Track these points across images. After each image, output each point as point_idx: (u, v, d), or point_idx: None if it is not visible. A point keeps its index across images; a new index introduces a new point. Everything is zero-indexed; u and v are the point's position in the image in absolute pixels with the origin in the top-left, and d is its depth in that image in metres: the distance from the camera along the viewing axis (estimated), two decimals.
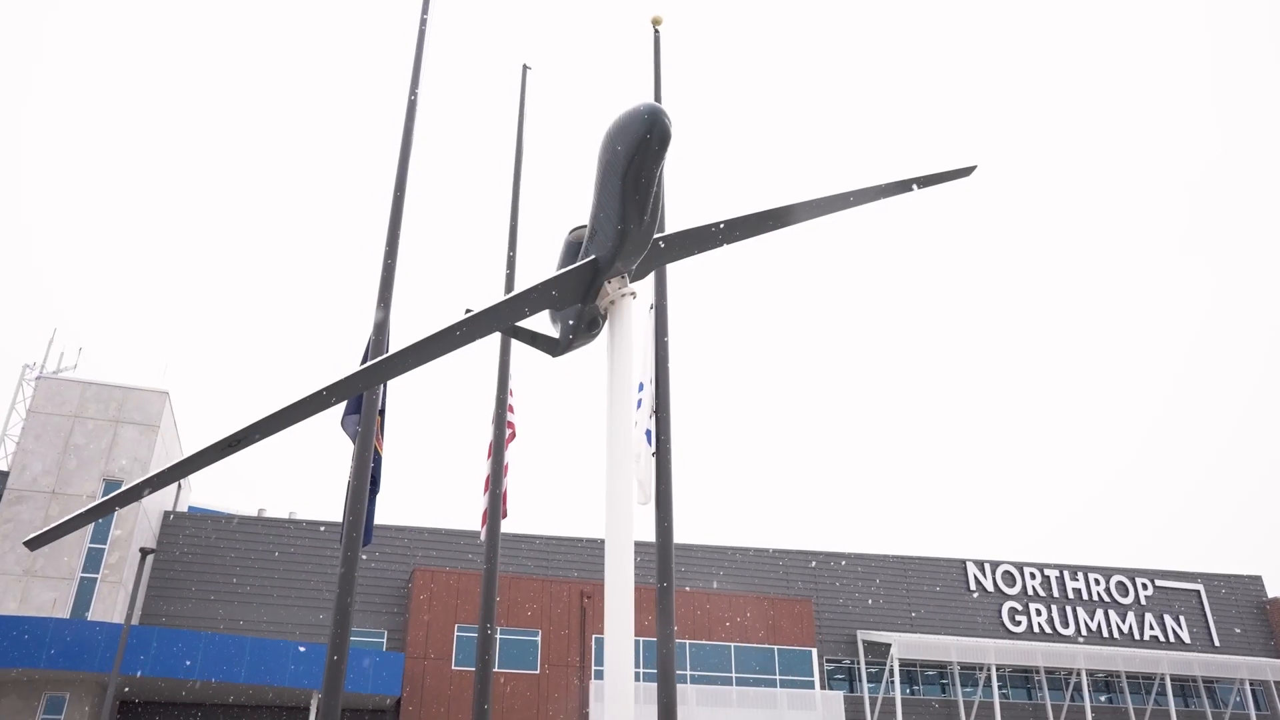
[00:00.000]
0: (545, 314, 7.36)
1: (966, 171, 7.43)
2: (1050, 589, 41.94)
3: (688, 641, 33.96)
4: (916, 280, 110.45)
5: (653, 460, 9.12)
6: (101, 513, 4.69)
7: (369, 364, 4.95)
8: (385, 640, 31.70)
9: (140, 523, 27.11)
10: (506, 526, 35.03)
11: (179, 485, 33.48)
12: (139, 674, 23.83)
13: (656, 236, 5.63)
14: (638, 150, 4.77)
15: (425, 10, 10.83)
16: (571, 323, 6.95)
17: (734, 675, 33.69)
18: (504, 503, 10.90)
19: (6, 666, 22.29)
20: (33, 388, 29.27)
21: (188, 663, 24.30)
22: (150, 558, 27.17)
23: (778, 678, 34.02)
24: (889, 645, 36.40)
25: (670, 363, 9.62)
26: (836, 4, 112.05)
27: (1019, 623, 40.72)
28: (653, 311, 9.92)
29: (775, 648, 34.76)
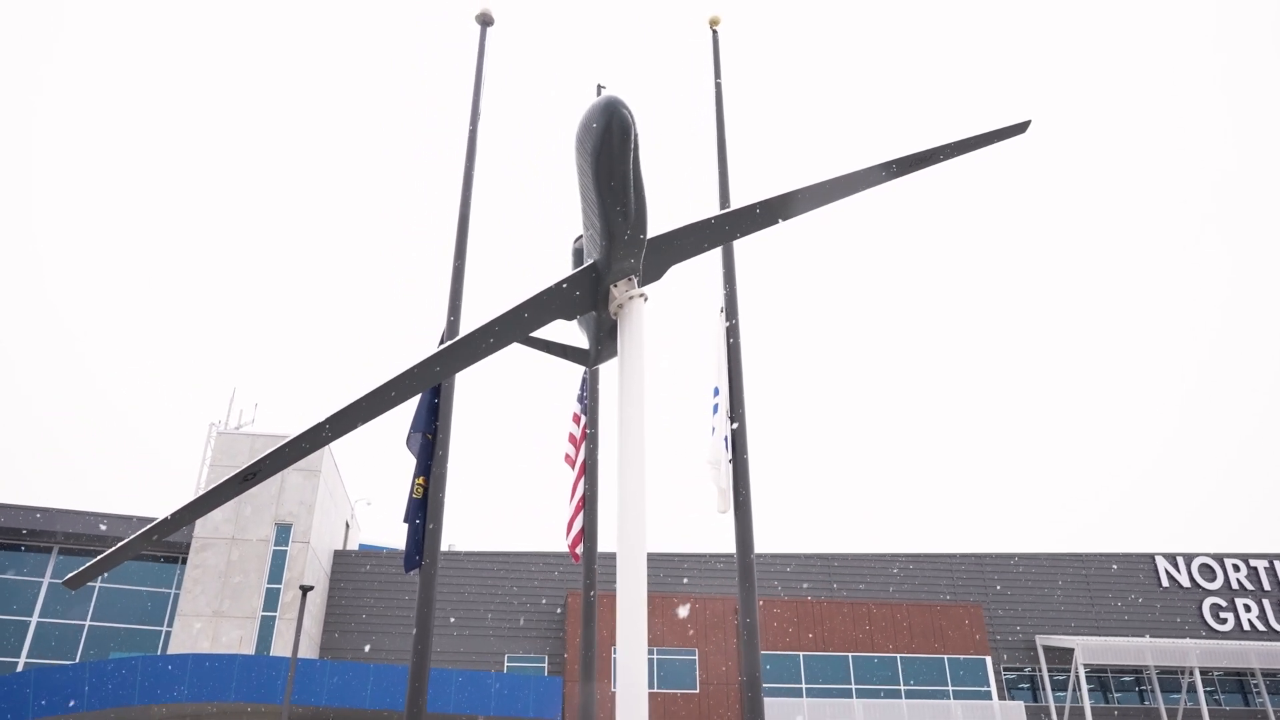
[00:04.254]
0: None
1: (1021, 128, 6.82)
2: (1259, 581, 37.84)
3: (850, 654, 32.84)
4: (927, 269, 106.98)
5: (730, 467, 8.84)
6: (129, 551, 4.92)
7: (361, 397, 4.99)
8: (546, 665, 32.36)
9: (311, 563, 28.96)
10: (656, 546, 34.94)
11: (346, 525, 35.59)
12: (319, 704, 25.38)
13: (659, 234, 5.45)
14: (602, 147, 4.64)
15: (481, 52, 11.10)
16: (594, 331, 6.86)
17: (902, 687, 32.24)
18: (570, 532, 10.87)
19: (202, 700, 24.26)
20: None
21: (359, 693, 25.63)
22: (312, 594, 28.91)
23: (950, 688, 32.28)
24: (1072, 650, 33.86)
25: (743, 366, 9.34)
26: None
27: (1224, 620, 36.92)
28: (722, 314, 9.67)
29: (945, 657, 33.03)
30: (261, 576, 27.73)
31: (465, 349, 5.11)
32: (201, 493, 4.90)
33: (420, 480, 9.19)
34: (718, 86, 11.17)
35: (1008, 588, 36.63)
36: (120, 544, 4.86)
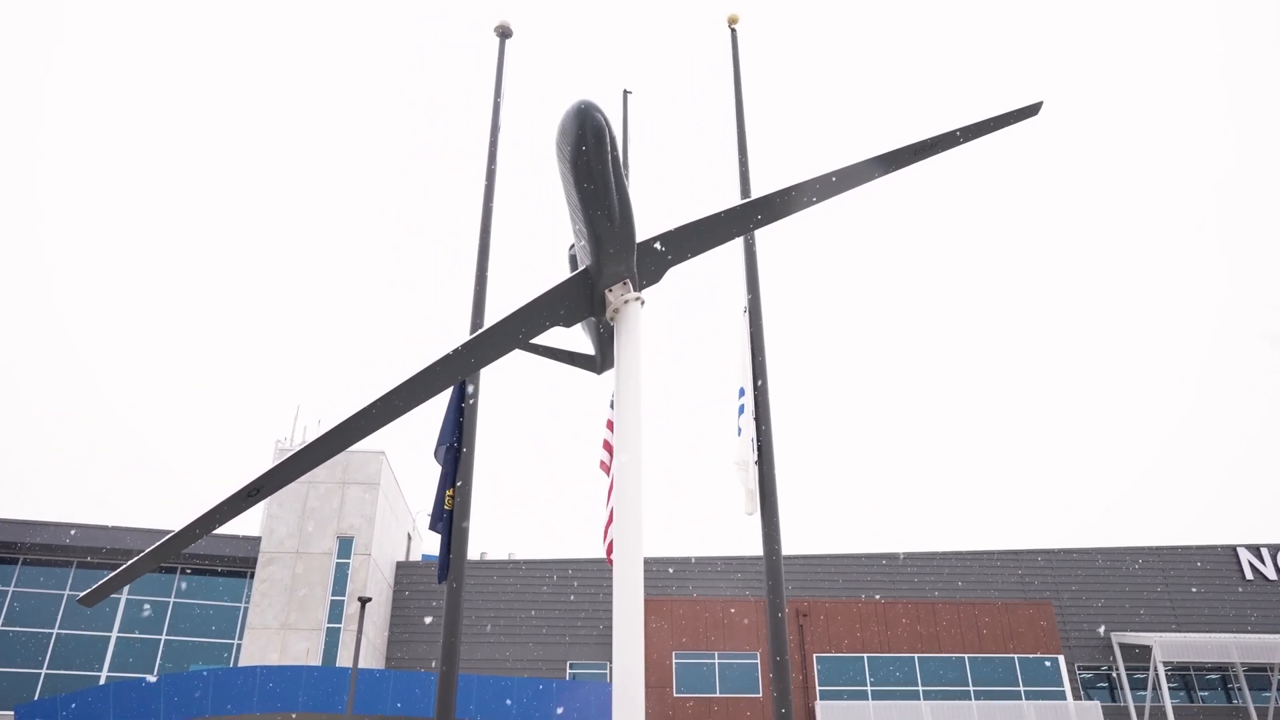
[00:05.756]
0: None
1: (1033, 110, 6.59)
2: None
3: (916, 655, 32.19)
4: (931, 265, 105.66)
5: (755, 469, 8.72)
6: (142, 568, 5.03)
7: (355, 413, 5.03)
8: (608, 671, 32.41)
9: (373, 574, 29.51)
10: (717, 549, 34.67)
11: (409, 537, 36.17)
12: (383, 714, 25.82)
13: (652, 236, 5.41)
14: (578, 151, 4.62)
15: (500, 64, 11.19)
16: (597, 337, 6.83)
17: (971, 688, 31.46)
18: (607, 538, 10.81)
19: (272, 711, 24.89)
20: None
21: (424, 702, 25.98)
22: (376, 605, 29.42)
23: (1021, 689, 31.38)
24: (1150, 647, 32.64)
25: (768, 365, 9.22)
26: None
27: None
28: (746, 315, 9.57)
29: (1015, 656, 32.14)
30: (326, 589, 28.36)
31: (457, 362, 5.10)
32: (209, 508, 5.00)
33: (450, 491, 9.28)
34: (737, 84, 11.09)
35: (1079, 584, 35.52)
36: (131, 561, 4.97)
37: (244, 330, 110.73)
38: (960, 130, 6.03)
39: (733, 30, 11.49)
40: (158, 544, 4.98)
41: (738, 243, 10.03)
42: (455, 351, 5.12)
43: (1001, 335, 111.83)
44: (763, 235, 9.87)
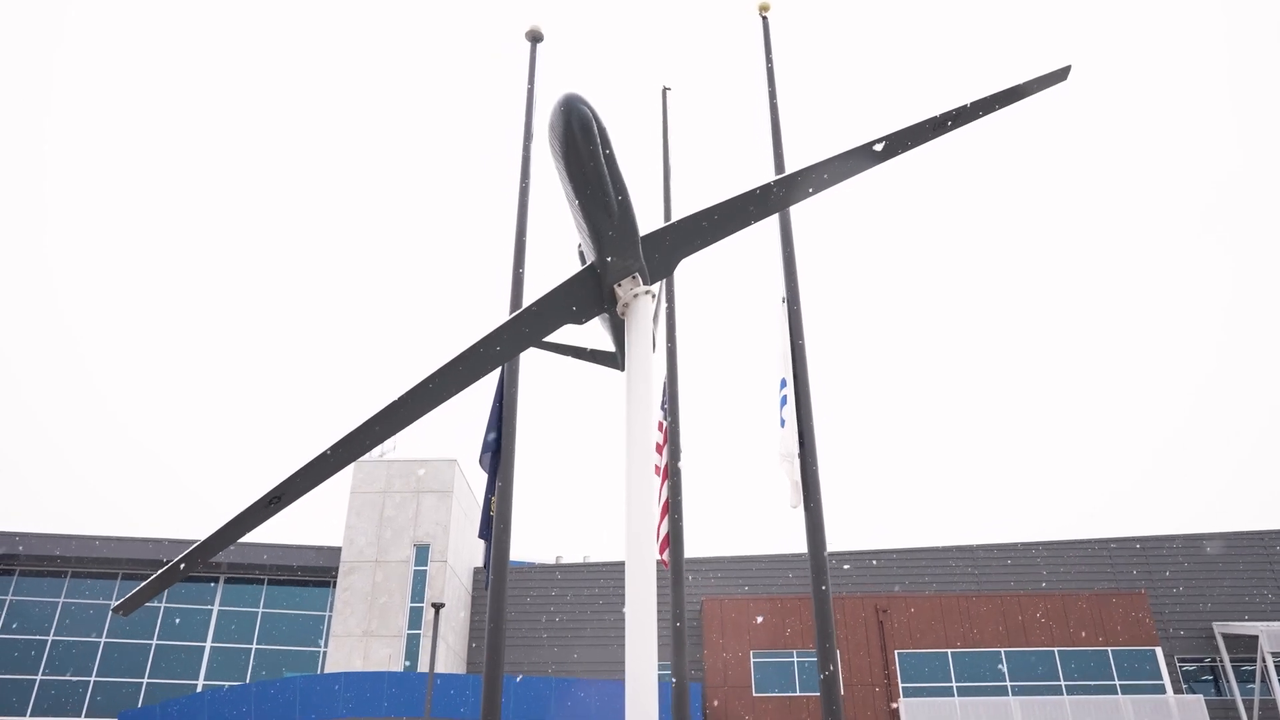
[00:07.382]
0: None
1: (1061, 75, 6.28)
2: None
3: (1003, 650, 31.23)
4: (940, 254, 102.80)
5: (797, 461, 8.56)
6: (174, 577, 5.17)
7: (366, 420, 5.07)
8: (670, 672, 32.32)
9: (450, 581, 30.04)
10: (792, 546, 34.27)
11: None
12: (464, 717, 26.24)
13: (656, 229, 5.35)
14: (568, 146, 4.58)
15: (532, 69, 11.25)
16: (614, 334, 6.77)
17: (1062, 683, 30.35)
18: (658, 537, 10.74)
19: (357, 715, 25.54)
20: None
21: (504, 706, 26.36)
22: (456, 611, 29.91)
23: (1117, 683, 30.13)
24: (1256, 637, 30.97)
25: (808, 357, 9.05)
26: None
27: None
28: (783, 303, 9.41)
29: (1109, 649, 30.89)
30: (405, 596, 28.99)
31: (463, 366, 5.09)
32: (232, 517, 5.11)
33: (494, 498, 9.36)
34: (770, 73, 10.93)
35: (1175, 572, 33.97)
36: (160, 571, 5.11)
37: (244, 332, 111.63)
38: (987, 99, 5.79)
39: (764, 19, 11.33)
40: (184, 554, 5.11)
41: (775, 233, 9.87)
42: (462, 354, 5.13)
43: (1000, 338, 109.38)
44: (802, 227, 9.69)
